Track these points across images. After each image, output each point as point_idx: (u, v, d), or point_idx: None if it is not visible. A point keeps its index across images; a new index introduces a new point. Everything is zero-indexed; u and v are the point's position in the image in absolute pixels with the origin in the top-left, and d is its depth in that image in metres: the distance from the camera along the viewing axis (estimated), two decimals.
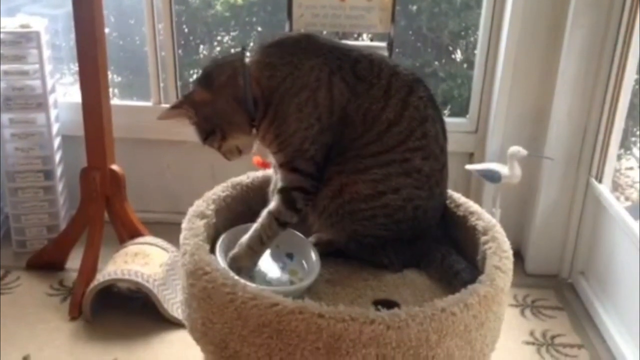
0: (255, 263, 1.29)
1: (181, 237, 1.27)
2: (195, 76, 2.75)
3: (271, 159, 1.37)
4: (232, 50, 2.65)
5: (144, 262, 2.13)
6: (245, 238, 1.28)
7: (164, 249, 2.24)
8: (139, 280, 2.05)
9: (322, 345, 1.06)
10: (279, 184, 1.30)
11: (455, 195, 1.44)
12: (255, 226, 1.28)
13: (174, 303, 2.11)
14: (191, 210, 1.34)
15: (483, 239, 1.30)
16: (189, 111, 1.27)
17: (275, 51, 1.28)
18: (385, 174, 1.27)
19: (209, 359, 1.25)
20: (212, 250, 1.26)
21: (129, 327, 2.07)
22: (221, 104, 1.27)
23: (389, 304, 1.13)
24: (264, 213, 1.29)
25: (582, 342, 2.13)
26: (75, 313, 2.10)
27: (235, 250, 1.28)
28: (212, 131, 1.28)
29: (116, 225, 2.33)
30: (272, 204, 1.29)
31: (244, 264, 1.27)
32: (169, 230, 2.23)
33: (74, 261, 2.30)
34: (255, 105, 1.27)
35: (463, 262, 1.30)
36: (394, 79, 1.29)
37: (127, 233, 2.32)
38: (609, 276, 2.22)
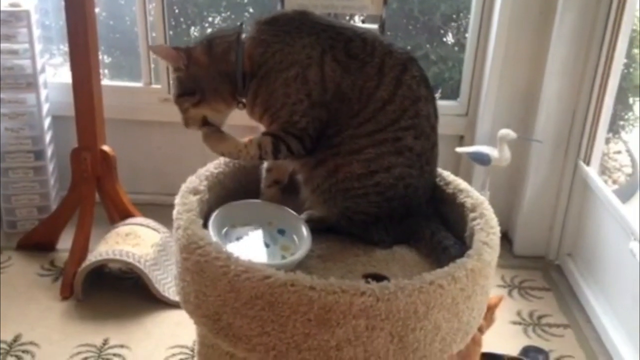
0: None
1: (174, 212, 1.28)
2: None
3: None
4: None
5: (135, 242, 2.13)
6: (229, 137, 1.33)
7: (155, 229, 2.25)
8: (130, 260, 2.06)
9: (314, 317, 1.07)
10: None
11: (445, 173, 1.45)
12: (241, 140, 1.31)
13: (165, 283, 2.12)
14: (184, 186, 1.35)
15: (471, 215, 1.32)
16: (182, 59, 1.29)
17: (269, 28, 1.30)
18: (378, 153, 1.28)
19: (203, 331, 1.27)
20: (205, 227, 1.27)
21: (120, 307, 2.08)
22: (212, 73, 1.30)
23: (379, 278, 1.15)
24: (254, 140, 1.31)
25: (568, 322, 2.16)
26: (66, 293, 2.11)
27: (215, 132, 1.33)
28: (192, 92, 1.31)
29: (107, 206, 2.33)
30: (260, 138, 1.31)
31: (209, 141, 1.32)
32: (160, 211, 2.24)
33: (65, 242, 2.30)
34: (244, 80, 1.29)
35: (452, 238, 1.32)
36: (388, 58, 1.30)
37: (118, 214, 2.32)
38: (595, 258, 2.25)
